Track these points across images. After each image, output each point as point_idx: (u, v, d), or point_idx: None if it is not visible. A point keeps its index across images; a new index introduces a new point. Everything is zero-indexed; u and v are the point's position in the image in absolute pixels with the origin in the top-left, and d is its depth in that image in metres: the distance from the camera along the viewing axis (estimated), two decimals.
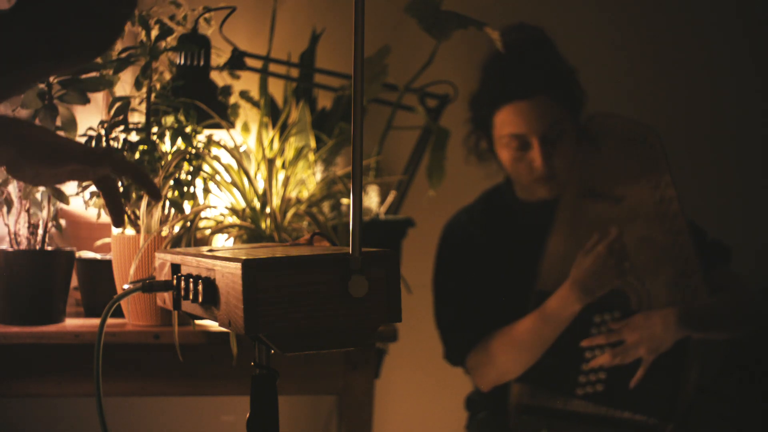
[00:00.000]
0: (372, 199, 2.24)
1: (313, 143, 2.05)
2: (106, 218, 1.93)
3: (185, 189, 1.85)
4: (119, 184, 1.38)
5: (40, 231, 1.88)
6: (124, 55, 1.88)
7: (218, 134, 2.03)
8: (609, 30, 2.73)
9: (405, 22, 2.32)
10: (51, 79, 1.80)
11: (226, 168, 1.90)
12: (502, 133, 2.06)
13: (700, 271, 2.03)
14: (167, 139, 1.88)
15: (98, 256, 2.01)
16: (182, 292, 1.15)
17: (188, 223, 1.81)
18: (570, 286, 1.97)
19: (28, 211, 1.87)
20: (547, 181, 2.06)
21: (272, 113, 2.21)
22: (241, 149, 2.01)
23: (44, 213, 1.87)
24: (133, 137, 1.87)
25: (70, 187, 1.86)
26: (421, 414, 2.70)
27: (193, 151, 1.87)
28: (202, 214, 1.88)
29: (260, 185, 1.94)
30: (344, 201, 2.03)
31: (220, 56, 2.19)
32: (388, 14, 2.46)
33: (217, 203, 1.92)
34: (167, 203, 1.84)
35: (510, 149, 2.06)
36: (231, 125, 2.10)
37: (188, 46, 2.03)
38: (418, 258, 2.38)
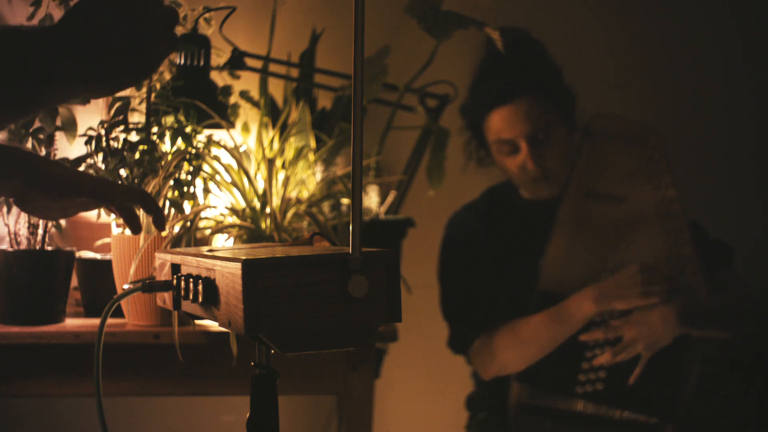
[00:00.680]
0: (372, 199, 2.24)
1: (313, 143, 2.05)
2: (106, 218, 1.93)
3: (185, 189, 1.85)
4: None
5: (40, 231, 1.88)
6: None
7: (218, 134, 2.03)
8: (610, 31, 2.73)
9: (405, 22, 2.32)
10: None
11: (226, 168, 1.90)
12: (492, 139, 2.09)
13: (701, 272, 2.03)
14: (167, 139, 1.88)
15: (98, 256, 2.01)
16: (182, 292, 1.15)
17: (188, 223, 1.81)
18: (591, 290, 1.97)
19: None
20: (542, 180, 2.07)
21: (272, 113, 2.21)
22: (241, 149, 2.01)
23: None
24: (133, 137, 1.87)
25: None
26: (421, 414, 2.70)
27: (193, 151, 1.87)
28: (202, 214, 1.88)
29: (260, 185, 1.94)
30: (344, 201, 2.03)
31: (220, 56, 2.19)
32: (388, 14, 2.46)
33: (217, 203, 1.92)
34: (167, 203, 1.84)
35: (502, 154, 2.08)
36: (231, 125, 2.10)
37: (188, 46, 2.03)
38: (418, 258, 2.38)
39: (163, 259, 1.24)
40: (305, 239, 1.25)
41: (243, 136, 2.24)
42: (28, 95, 0.93)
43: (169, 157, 1.85)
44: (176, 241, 1.79)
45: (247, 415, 1.10)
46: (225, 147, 1.94)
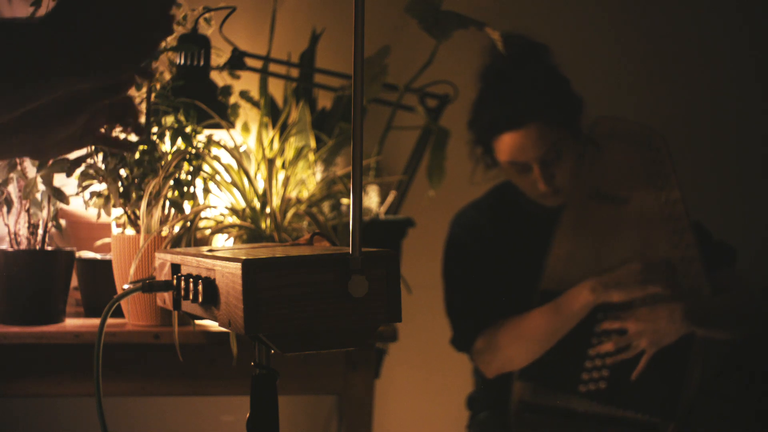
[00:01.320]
0: (372, 199, 2.24)
1: (313, 143, 2.05)
2: (106, 218, 1.93)
3: (185, 189, 1.85)
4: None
5: (40, 231, 1.88)
6: None
7: (218, 134, 2.03)
8: (613, 33, 2.73)
9: (405, 22, 2.32)
10: None
11: (226, 168, 1.90)
12: (502, 159, 2.07)
13: (704, 272, 2.03)
14: (167, 139, 1.88)
15: (98, 256, 2.01)
16: (182, 292, 1.15)
17: (188, 223, 1.81)
18: (589, 281, 1.98)
19: (28, 211, 1.87)
20: (552, 195, 2.07)
21: (272, 113, 2.21)
22: (241, 149, 2.01)
23: (44, 213, 1.87)
24: (133, 137, 1.87)
25: (70, 187, 1.86)
26: (421, 414, 2.70)
27: (193, 151, 1.87)
28: (202, 214, 1.88)
29: (260, 185, 1.94)
30: (344, 201, 2.03)
31: (220, 56, 2.19)
32: (388, 14, 2.46)
33: (217, 203, 1.92)
34: (167, 203, 1.84)
35: (512, 172, 2.08)
36: (231, 125, 2.10)
37: (188, 46, 2.03)
38: (418, 258, 2.38)
39: (163, 259, 1.24)
40: (305, 239, 1.25)
41: (243, 136, 2.24)
42: (23, 89, 0.92)
43: (169, 157, 1.85)
44: (176, 241, 1.79)
45: (247, 415, 1.10)
46: (225, 147, 1.94)
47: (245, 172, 1.90)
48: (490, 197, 2.23)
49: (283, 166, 1.99)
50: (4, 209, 1.87)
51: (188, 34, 2.04)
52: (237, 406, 2.53)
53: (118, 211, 1.90)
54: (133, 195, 1.84)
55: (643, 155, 2.10)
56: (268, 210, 1.89)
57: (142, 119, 1.25)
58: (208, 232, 1.85)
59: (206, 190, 1.89)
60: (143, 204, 1.80)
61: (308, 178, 2.01)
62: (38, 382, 1.88)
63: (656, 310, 1.98)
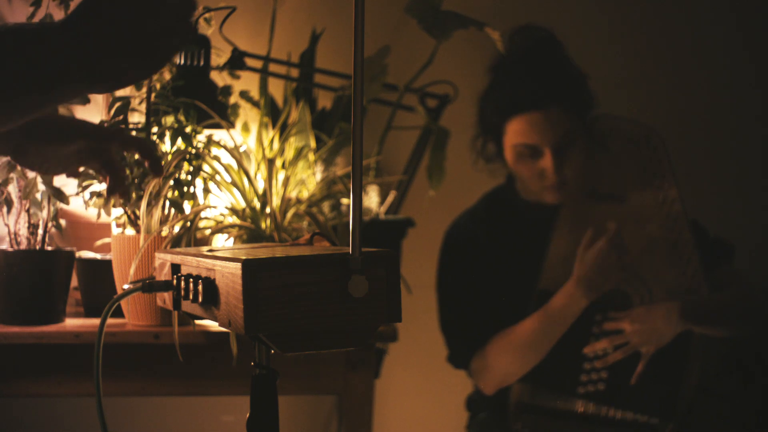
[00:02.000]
0: (372, 199, 2.24)
1: (313, 143, 2.05)
2: (106, 218, 1.93)
3: (185, 189, 1.85)
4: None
5: (40, 231, 1.88)
6: None
7: (218, 134, 2.03)
8: (610, 32, 2.73)
9: (405, 22, 2.32)
10: None
11: (226, 168, 1.90)
12: (514, 142, 2.03)
13: (702, 271, 2.03)
14: (167, 139, 1.88)
15: (98, 256, 2.01)
16: (182, 292, 1.15)
17: (188, 223, 1.81)
18: (575, 284, 1.97)
19: (28, 211, 1.87)
20: (557, 188, 2.05)
21: (272, 113, 2.21)
22: (241, 149, 2.01)
23: (44, 213, 1.87)
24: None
25: (70, 187, 1.86)
26: (421, 414, 2.70)
27: (193, 151, 1.87)
28: (202, 214, 1.88)
29: (260, 185, 1.94)
30: (344, 201, 2.03)
31: (220, 56, 2.19)
32: (388, 14, 2.46)
33: (217, 203, 1.92)
34: (167, 203, 1.84)
35: (521, 157, 2.04)
36: (231, 125, 2.10)
37: (188, 46, 2.03)
38: (418, 258, 2.38)
39: (163, 259, 1.24)
40: (305, 239, 1.25)
41: (243, 136, 2.24)
42: (32, 95, 0.90)
43: (169, 157, 1.85)
44: (176, 241, 1.79)
45: (247, 415, 1.10)
46: (225, 147, 1.94)
47: (245, 172, 1.90)
48: (484, 203, 2.21)
49: (283, 166, 1.99)
50: (4, 209, 1.87)
51: None
52: (237, 406, 2.53)
53: (118, 211, 1.90)
54: (133, 195, 1.84)
55: (640, 154, 2.10)
56: (268, 210, 1.89)
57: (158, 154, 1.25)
58: (208, 232, 1.85)
59: (206, 190, 1.89)
60: (143, 204, 1.80)
61: (308, 178, 2.01)
62: (38, 382, 1.88)
63: (652, 309, 1.97)
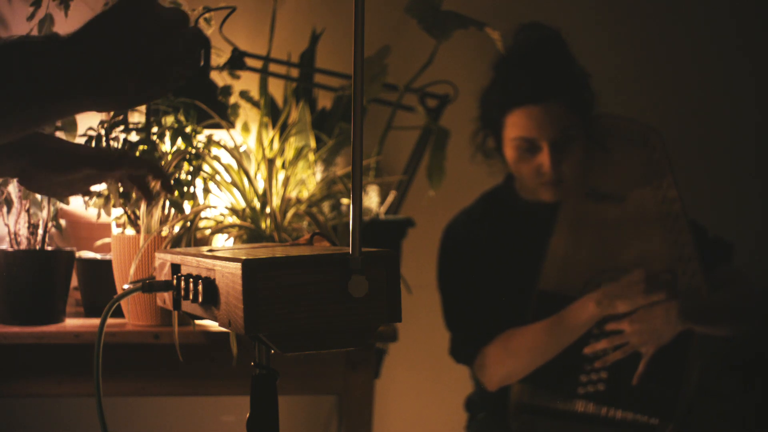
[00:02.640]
0: (372, 199, 2.24)
1: (313, 143, 2.05)
2: (106, 218, 1.93)
3: (185, 189, 1.85)
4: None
5: (40, 231, 1.88)
6: None
7: (218, 134, 2.03)
8: (611, 32, 2.73)
9: (405, 22, 2.32)
10: None
11: (226, 168, 1.90)
12: (513, 135, 2.03)
13: (702, 271, 2.03)
14: (167, 139, 1.88)
15: (98, 256, 2.01)
16: (182, 292, 1.15)
17: (188, 223, 1.81)
18: (593, 294, 1.97)
19: (28, 211, 1.87)
20: (554, 185, 2.05)
21: (272, 113, 2.21)
22: (241, 149, 2.01)
23: (44, 213, 1.87)
24: (133, 137, 1.87)
25: None
26: (421, 414, 2.70)
27: (193, 151, 1.87)
28: (202, 214, 1.88)
29: (260, 185, 1.94)
30: (344, 201, 2.03)
31: (220, 56, 2.19)
32: (388, 14, 2.46)
33: (217, 203, 1.92)
34: (167, 203, 1.84)
35: (519, 151, 2.04)
36: (231, 125, 2.10)
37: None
38: (418, 258, 2.38)
39: (163, 259, 1.24)
40: (305, 239, 1.25)
41: (243, 136, 2.24)
42: (34, 110, 0.90)
43: (169, 157, 1.85)
44: (176, 241, 1.79)
45: (247, 415, 1.10)
46: (225, 147, 1.94)
47: (245, 172, 1.90)
48: (482, 203, 2.21)
49: (283, 166, 1.99)
50: (4, 209, 1.87)
51: None
52: (237, 406, 2.53)
53: (118, 211, 1.90)
54: (133, 195, 1.84)
55: (640, 154, 2.10)
56: (268, 210, 1.89)
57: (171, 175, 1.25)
58: (208, 232, 1.85)
59: (206, 190, 1.89)
60: (143, 204, 1.80)
61: (308, 178, 2.01)
62: (38, 382, 1.88)
63: (652, 309, 1.97)
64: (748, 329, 2.09)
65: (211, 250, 1.17)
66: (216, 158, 1.90)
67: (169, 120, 1.91)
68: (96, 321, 1.92)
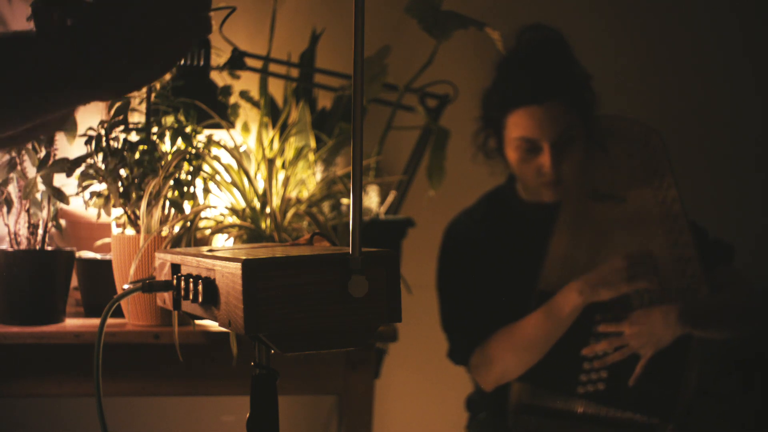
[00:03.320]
0: (372, 199, 2.24)
1: (313, 143, 2.05)
2: (106, 218, 1.93)
3: (185, 189, 1.85)
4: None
5: (40, 231, 1.88)
6: None
7: (218, 134, 2.03)
8: (612, 33, 2.73)
9: (405, 22, 2.32)
10: None
11: (226, 168, 1.90)
12: (514, 135, 2.04)
13: (702, 271, 2.03)
14: (167, 139, 1.88)
15: (98, 256, 2.01)
16: (182, 292, 1.15)
17: (188, 223, 1.81)
18: (575, 283, 1.97)
19: (28, 211, 1.87)
20: (554, 185, 2.05)
21: (272, 113, 2.21)
22: (241, 149, 2.01)
23: (44, 213, 1.87)
24: (133, 137, 1.87)
25: (70, 187, 1.86)
26: (421, 414, 2.70)
27: (193, 151, 1.87)
28: (202, 214, 1.88)
29: (260, 185, 1.94)
30: (344, 201, 2.03)
31: (220, 56, 2.19)
32: (388, 14, 2.46)
33: (217, 203, 1.92)
34: (167, 203, 1.84)
35: (520, 151, 2.05)
36: (231, 125, 2.10)
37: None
38: (418, 258, 2.38)
39: (163, 259, 1.24)
40: (305, 239, 1.25)
41: (243, 136, 2.24)
42: (35, 101, 0.89)
43: (169, 157, 1.85)
44: (176, 241, 1.79)
45: (247, 415, 1.10)
46: (225, 147, 1.94)
47: (245, 172, 1.90)
48: (484, 203, 2.22)
49: (283, 166, 1.99)
50: (4, 209, 1.87)
51: None
52: (237, 406, 2.53)
53: (118, 211, 1.90)
54: (133, 195, 1.84)
55: (640, 154, 2.10)
56: (268, 210, 1.89)
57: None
58: (208, 232, 1.85)
59: (206, 190, 1.89)
60: (143, 204, 1.80)
61: (308, 178, 2.01)
62: (38, 382, 1.88)
63: (650, 312, 1.97)
64: (747, 331, 2.09)
65: (211, 250, 1.17)
66: (216, 158, 1.90)
67: (169, 120, 1.90)
68: (96, 321, 1.92)
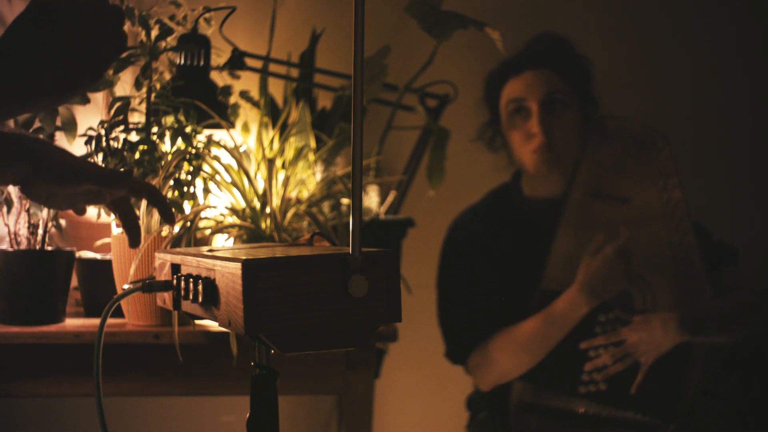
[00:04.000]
0: (372, 199, 2.24)
1: (313, 143, 2.05)
2: (106, 218, 1.93)
3: (185, 189, 1.85)
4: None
5: (40, 231, 1.88)
6: (124, 55, 1.88)
7: (218, 134, 2.03)
8: (617, 33, 2.73)
9: (405, 22, 2.32)
10: None
11: (226, 168, 1.90)
12: (505, 102, 2.10)
13: (705, 272, 2.03)
14: (167, 139, 1.88)
15: (98, 256, 2.01)
16: (182, 292, 1.15)
17: (188, 223, 1.81)
18: (578, 289, 1.96)
19: (28, 211, 1.87)
20: (544, 152, 2.05)
21: (272, 113, 2.21)
22: (241, 149, 2.01)
23: (44, 213, 1.87)
24: (133, 137, 1.87)
25: None
26: (421, 414, 2.70)
27: (193, 151, 1.87)
28: (202, 214, 1.88)
29: (260, 185, 1.94)
30: (344, 201, 2.03)
31: (220, 56, 2.19)
32: (388, 14, 2.46)
33: (217, 203, 1.92)
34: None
35: (510, 115, 2.09)
36: (231, 125, 2.10)
37: (188, 46, 2.03)
38: (418, 258, 2.38)
39: (163, 259, 1.24)
40: (305, 239, 1.25)
41: (243, 136, 2.24)
42: None
43: (169, 157, 1.85)
44: (176, 241, 1.79)
45: (247, 415, 1.10)
46: (225, 147, 1.94)
47: (245, 172, 1.90)
48: (488, 201, 2.22)
49: (283, 166, 1.99)
50: (4, 209, 1.87)
51: (188, 34, 2.04)
52: (237, 406, 2.53)
53: None
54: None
55: (646, 155, 2.10)
56: (268, 210, 1.89)
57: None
58: (208, 232, 1.85)
59: (206, 190, 1.89)
60: (143, 204, 1.80)
61: (308, 178, 2.01)
62: (38, 382, 1.88)
63: (651, 320, 1.97)
64: (749, 333, 2.09)
65: (211, 250, 1.17)
66: (216, 158, 1.90)
67: (169, 120, 1.90)
68: (96, 321, 1.92)
